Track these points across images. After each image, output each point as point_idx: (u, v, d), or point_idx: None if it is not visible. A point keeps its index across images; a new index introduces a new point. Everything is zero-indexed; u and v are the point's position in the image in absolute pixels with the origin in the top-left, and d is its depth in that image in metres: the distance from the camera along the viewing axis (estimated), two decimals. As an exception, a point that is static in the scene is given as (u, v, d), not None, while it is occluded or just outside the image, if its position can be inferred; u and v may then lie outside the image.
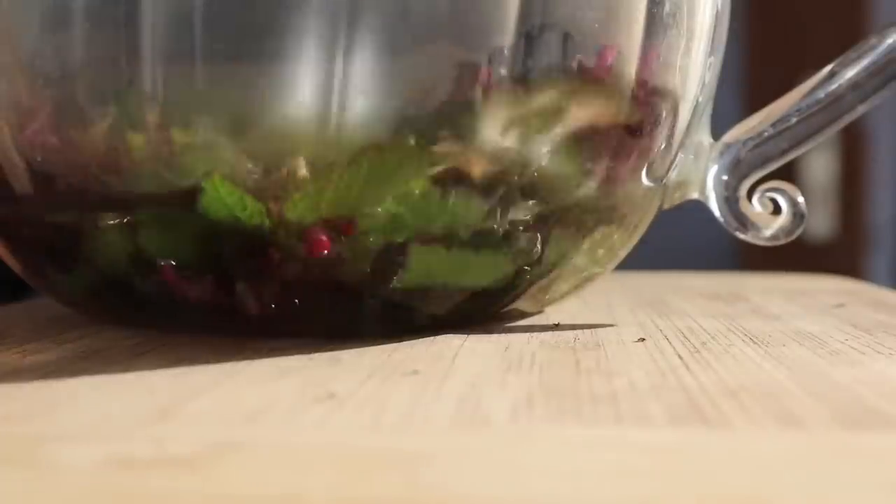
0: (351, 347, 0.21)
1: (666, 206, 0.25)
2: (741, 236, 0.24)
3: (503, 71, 0.19)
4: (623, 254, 0.25)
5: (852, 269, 1.08)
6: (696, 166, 0.24)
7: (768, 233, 0.24)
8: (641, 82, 0.21)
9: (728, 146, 0.24)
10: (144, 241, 0.20)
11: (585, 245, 0.23)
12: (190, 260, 0.20)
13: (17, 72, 0.20)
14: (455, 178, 0.20)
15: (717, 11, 0.24)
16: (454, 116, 0.19)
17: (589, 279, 0.25)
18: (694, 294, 0.32)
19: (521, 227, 0.21)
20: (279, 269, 0.20)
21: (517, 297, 0.23)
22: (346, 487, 0.12)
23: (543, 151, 0.20)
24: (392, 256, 0.20)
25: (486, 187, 0.20)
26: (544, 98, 0.20)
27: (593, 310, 0.28)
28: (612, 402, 0.15)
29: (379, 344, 0.21)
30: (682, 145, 0.24)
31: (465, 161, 0.20)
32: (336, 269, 0.20)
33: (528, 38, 0.19)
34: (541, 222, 0.21)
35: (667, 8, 0.22)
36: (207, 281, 0.20)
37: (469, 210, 0.20)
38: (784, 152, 0.24)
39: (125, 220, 0.20)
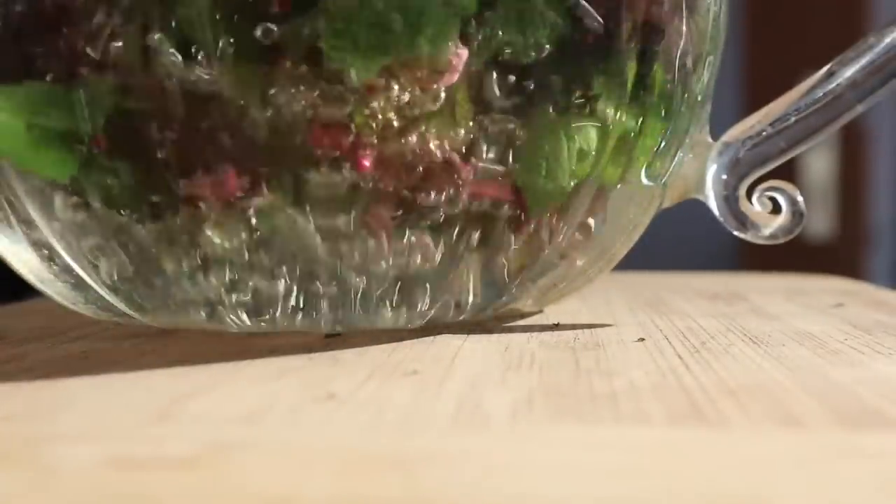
0: (351, 347, 0.21)
1: (665, 206, 0.25)
2: (740, 235, 0.24)
3: None
4: (622, 253, 0.25)
5: (852, 269, 1.09)
6: (696, 165, 0.24)
7: (767, 232, 0.24)
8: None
9: (727, 145, 0.24)
10: None
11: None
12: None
13: None
14: None
15: (717, 10, 0.24)
16: None
17: (589, 279, 0.25)
18: (694, 294, 0.32)
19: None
20: None
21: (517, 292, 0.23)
22: (346, 487, 0.12)
23: None
24: None
25: None
26: None
27: (593, 310, 0.28)
28: (612, 402, 0.15)
29: (379, 344, 0.21)
30: (681, 144, 0.24)
31: None
32: None
33: None
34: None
35: (666, 6, 0.22)
36: None
37: None
38: (783, 151, 0.24)
39: None
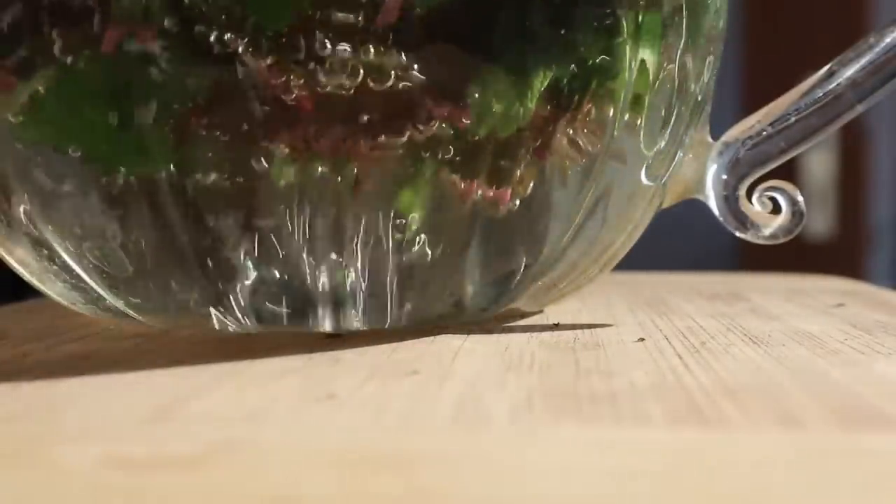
0: (351, 347, 0.21)
1: (665, 206, 0.25)
2: (741, 235, 0.24)
3: None
4: (622, 253, 0.25)
5: (852, 269, 1.09)
6: (696, 165, 0.24)
7: (768, 232, 0.24)
8: None
9: (727, 145, 0.24)
10: None
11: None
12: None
13: None
14: None
15: (717, 10, 0.24)
16: None
17: (589, 279, 0.25)
18: (694, 294, 0.32)
19: None
20: None
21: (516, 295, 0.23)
22: (346, 487, 0.12)
23: None
24: None
25: None
26: None
27: (593, 310, 0.28)
28: (612, 402, 0.15)
29: (379, 344, 0.21)
30: (681, 144, 0.24)
31: None
32: None
33: None
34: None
35: (666, 8, 0.22)
36: None
37: None
38: (783, 151, 0.24)
39: None
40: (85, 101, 0.20)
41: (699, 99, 0.24)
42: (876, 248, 1.26)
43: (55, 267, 0.22)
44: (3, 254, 0.23)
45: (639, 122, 0.22)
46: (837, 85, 0.23)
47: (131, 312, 0.22)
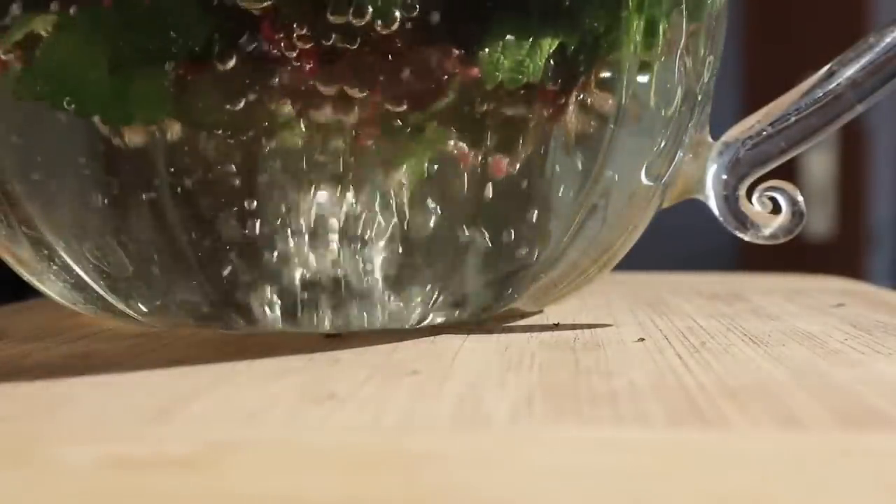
0: (351, 347, 0.21)
1: (665, 206, 0.25)
2: (741, 235, 0.24)
3: None
4: (622, 253, 0.25)
5: (852, 269, 1.09)
6: (696, 165, 0.24)
7: (768, 232, 0.24)
8: None
9: (727, 145, 0.24)
10: None
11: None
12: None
13: None
14: None
15: (717, 10, 0.24)
16: None
17: (589, 279, 0.25)
18: (693, 294, 0.32)
19: None
20: None
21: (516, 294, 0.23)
22: (346, 487, 0.12)
23: None
24: None
25: None
26: None
27: (593, 310, 0.28)
28: (612, 402, 0.15)
29: (379, 344, 0.21)
30: (681, 144, 0.24)
31: None
32: None
33: None
34: None
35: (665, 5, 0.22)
36: None
37: None
38: (783, 151, 0.24)
39: None
40: (83, 54, 0.20)
41: (699, 99, 0.24)
42: (876, 248, 1.26)
43: (55, 267, 0.22)
44: (3, 254, 0.23)
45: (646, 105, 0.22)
46: (837, 85, 0.23)
47: (131, 312, 0.22)
